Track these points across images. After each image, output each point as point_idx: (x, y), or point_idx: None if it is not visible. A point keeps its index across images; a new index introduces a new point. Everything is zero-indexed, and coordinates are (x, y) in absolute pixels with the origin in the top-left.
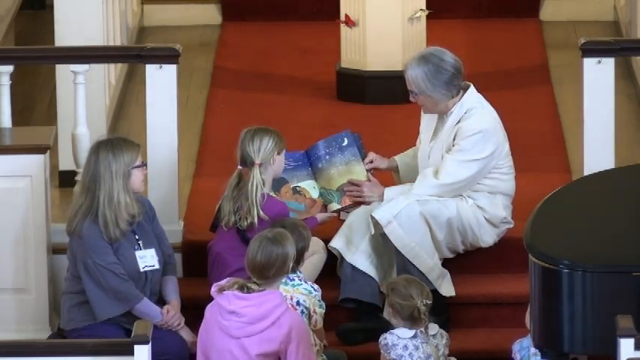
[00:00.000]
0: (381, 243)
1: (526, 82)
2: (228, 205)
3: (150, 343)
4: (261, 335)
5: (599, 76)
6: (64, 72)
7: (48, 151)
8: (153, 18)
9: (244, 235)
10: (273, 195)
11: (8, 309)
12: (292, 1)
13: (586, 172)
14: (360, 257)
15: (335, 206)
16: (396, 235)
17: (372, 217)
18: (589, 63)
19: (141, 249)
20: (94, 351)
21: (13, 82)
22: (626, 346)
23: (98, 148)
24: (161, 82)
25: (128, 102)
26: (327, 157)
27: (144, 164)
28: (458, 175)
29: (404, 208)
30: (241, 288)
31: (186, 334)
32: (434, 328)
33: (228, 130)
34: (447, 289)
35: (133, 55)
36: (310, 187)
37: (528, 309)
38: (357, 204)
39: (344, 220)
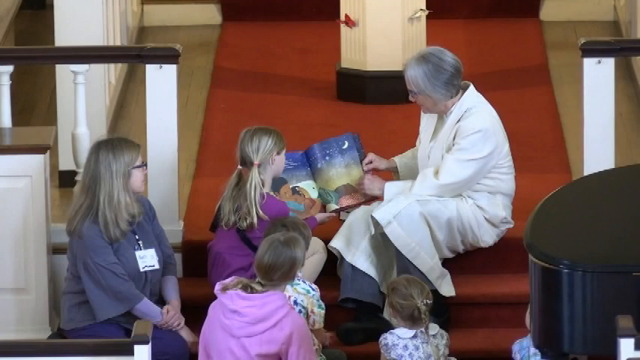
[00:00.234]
0: (381, 243)
1: (526, 82)
2: (228, 204)
3: (150, 343)
4: (262, 336)
5: (599, 76)
6: (64, 72)
7: (48, 151)
8: (153, 18)
9: (244, 234)
10: (273, 195)
11: (8, 309)
12: (292, 1)
13: (586, 172)
14: (360, 257)
15: (333, 206)
16: (396, 235)
17: (372, 217)
18: (589, 63)
19: (141, 249)
20: (94, 351)
21: (13, 82)
22: (626, 346)
23: (98, 148)
24: (161, 82)
25: (128, 102)
26: (327, 158)
27: (144, 164)
28: (458, 175)
29: (404, 208)
30: (245, 288)
31: (186, 334)
32: (434, 328)
33: (228, 130)
34: (447, 289)
35: (133, 55)
36: (309, 188)
37: (529, 309)
38: (356, 204)
39: (344, 220)
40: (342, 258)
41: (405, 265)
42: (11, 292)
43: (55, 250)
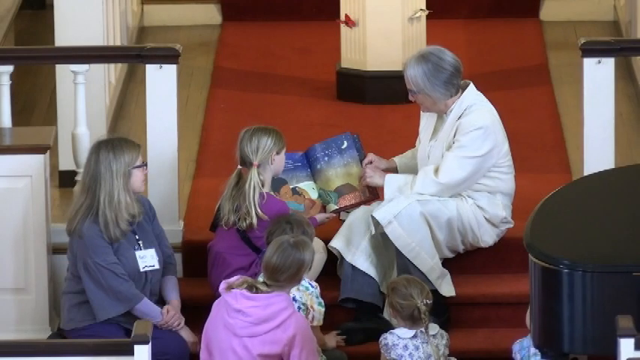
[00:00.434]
0: (381, 243)
1: (526, 82)
2: (228, 204)
3: (150, 343)
4: (264, 337)
5: (599, 76)
6: (64, 72)
7: (48, 151)
8: (153, 18)
9: (244, 234)
10: (273, 195)
11: (8, 309)
12: (292, 1)
13: (586, 172)
14: (360, 257)
15: (332, 207)
16: (396, 235)
17: (373, 217)
18: (589, 63)
19: (141, 249)
20: (94, 351)
21: (13, 82)
22: (626, 346)
23: (99, 147)
24: (161, 82)
25: (128, 102)
26: (326, 158)
27: (144, 164)
28: (457, 173)
29: (404, 208)
30: (250, 288)
31: (186, 334)
32: (434, 328)
33: (228, 130)
34: (447, 289)
35: (133, 55)
36: (309, 188)
37: (529, 309)
38: (356, 205)
39: (344, 220)
40: (342, 258)
41: (405, 265)
42: (11, 292)
43: (55, 250)
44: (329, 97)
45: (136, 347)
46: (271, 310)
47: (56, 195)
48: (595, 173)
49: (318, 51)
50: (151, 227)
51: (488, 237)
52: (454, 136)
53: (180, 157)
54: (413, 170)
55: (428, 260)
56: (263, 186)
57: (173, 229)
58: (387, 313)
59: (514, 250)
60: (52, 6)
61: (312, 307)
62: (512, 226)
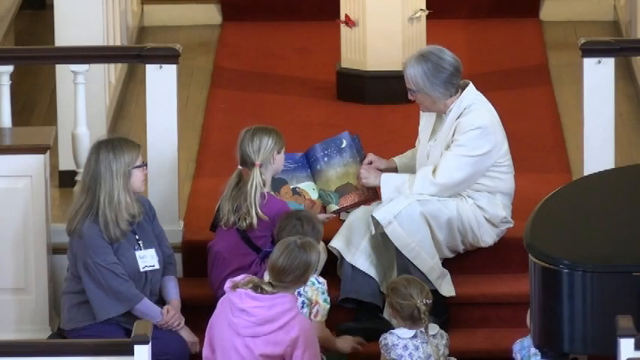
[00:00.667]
0: (381, 243)
1: (526, 82)
2: (228, 204)
3: (150, 343)
4: (267, 337)
5: (599, 76)
6: (64, 72)
7: (48, 151)
8: (153, 18)
9: (244, 234)
10: (274, 195)
11: (8, 309)
12: (292, 1)
13: (586, 172)
14: (359, 257)
15: (333, 207)
16: (396, 235)
17: (373, 217)
18: (589, 63)
19: (141, 249)
20: (94, 351)
21: (13, 82)
22: (626, 346)
23: (99, 147)
24: (161, 82)
25: (128, 102)
26: (326, 159)
27: (144, 164)
28: (455, 174)
29: (404, 208)
30: (255, 288)
31: (186, 334)
32: (434, 328)
33: (228, 130)
34: (447, 289)
35: (133, 55)
36: (309, 189)
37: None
38: (356, 204)
39: (344, 220)
40: (342, 258)
41: (405, 264)
42: (11, 292)
43: (55, 250)
44: (329, 97)
45: (136, 347)
46: (275, 310)
47: (56, 195)
48: (595, 173)
49: (318, 51)
50: (151, 227)
51: (488, 237)
52: (453, 136)
53: (180, 157)
54: (413, 171)
55: (428, 260)
56: (264, 186)
57: (173, 229)
58: (387, 313)
59: (514, 250)
60: (52, 6)
61: (316, 301)
62: (512, 225)
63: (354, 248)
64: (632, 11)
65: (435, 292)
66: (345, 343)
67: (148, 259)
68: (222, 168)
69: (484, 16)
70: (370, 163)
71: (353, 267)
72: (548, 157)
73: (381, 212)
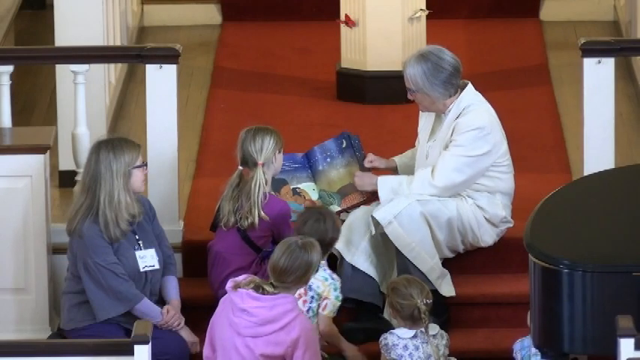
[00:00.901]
0: (381, 243)
1: (526, 82)
2: (228, 205)
3: (150, 343)
4: (268, 337)
5: (599, 76)
6: (64, 72)
7: (48, 151)
8: (153, 18)
9: (245, 234)
10: (274, 195)
11: (8, 309)
12: (292, 1)
13: (586, 172)
14: (359, 257)
15: (335, 208)
16: (396, 235)
17: (373, 217)
18: (589, 63)
19: (141, 249)
20: (94, 351)
21: (13, 82)
22: (626, 346)
23: (99, 147)
24: (161, 82)
25: (128, 102)
26: (328, 159)
27: (144, 164)
28: (453, 175)
29: (405, 208)
30: (257, 288)
31: (186, 334)
32: (434, 328)
33: (228, 130)
34: (447, 289)
35: (133, 55)
36: (310, 189)
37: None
38: (356, 204)
39: (344, 221)
40: (342, 258)
41: (405, 265)
42: (11, 292)
43: (55, 250)
44: (329, 97)
45: (136, 347)
46: (277, 311)
47: (56, 195)
48: (595, 173)
49: (318, 51)
50: (151, 227)
51: (488, 237)
52: (451, 136)
53: (180, 157)
54: (412, 170)
55: (428, 260)
56: (266, 185)
57: (173, 229)
58: (387, 313)
59: (514, 250)
60: (52, 6)
61: (326, 297)
62: (512, 225)
63: (354, 248)
64: (632, 11)
65: (435, 292)
66: (352, 351)
67: (148, 259)
68: (222, 168)
69: (484, 16)
70: (370, 162)
71: (353, 267)
72: (548, 157)
73: (381, 212)
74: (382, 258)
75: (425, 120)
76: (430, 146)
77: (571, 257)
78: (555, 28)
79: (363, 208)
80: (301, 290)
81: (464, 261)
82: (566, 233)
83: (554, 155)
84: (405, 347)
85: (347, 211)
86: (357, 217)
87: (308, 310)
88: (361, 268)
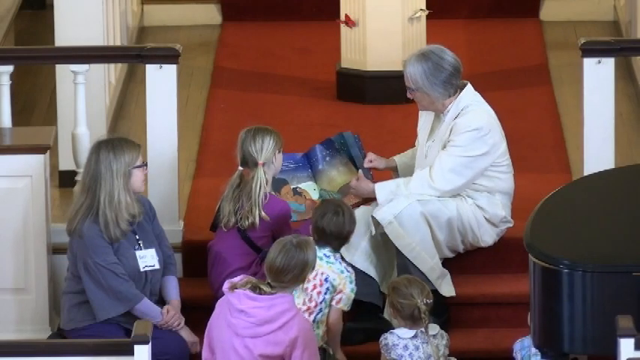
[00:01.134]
0: (381, 243)
1: (526, 82)
2: (229, 206)
3: (150, 343)
4: (267, 337)
5: (599, 76)
6: (64, 72)
7: (48, 151)
8: (153, 18)
9: (245, 234)
10: (275, 195)
11: (8, 309)
12: (292, 1)
13: (586, 172)
14: (359, 257)
15: None
16: (396, 235)
17: (373, 217)
18: (589, 63)
19: (141, 249)
20: (94, 351)
21: (13, 82)
22: (626, 346)
23: (99, 147)
24: (161, 82)
25: (128, 102)
26: (328, 158)
27: (144, 164)
28: (450, 176)
29: (405, 208)
30: (254, 288)
31: (186, 334)
32: (434, 328)
33: (228, 130)
34: (447, 289)
35: (133, 55)
36: (310, 189)
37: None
38: (356, 204)
39: None
40: (342, 258)
41: (405, 264)
42: (11, 292)
43: (55, 250)
44: (329, 97)
45: (136, 347)
46: (274, 311)
47: (56, 195)
48: (595, 173)
49: (318, 51)
50: (151, 227)
51: (488, 237)
52: (449, 136)
53: (180, 157)
54: (412, 170)
55: (428, 260)
56: (267, 184)
57: (173, 229)
58: (387, 313)
59: (514, 250)
60: (52, 6)
61: (342, 289)
62: (512, 225)
63: (353, 248)
64: (632, 11)
65: (435, 292)
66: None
67: (148, 259)
68: (222, 168)
69: (484, 16)
70: (370, 162)
71: (353, 267)
72: (548, 157)
73: (382, 212)
74: (382, 258)
75: (424, 119)
76: (429, 146)
77: (571, 257)
78: (555, 28)
79: (362, 207)
80: (317, 281)
81: (464, 261)
82: (566, 233)
83: (554, 155)
84: (405, 347)
85: None
86: (357, 217)
87: (321, 302)
88: (361, 268)
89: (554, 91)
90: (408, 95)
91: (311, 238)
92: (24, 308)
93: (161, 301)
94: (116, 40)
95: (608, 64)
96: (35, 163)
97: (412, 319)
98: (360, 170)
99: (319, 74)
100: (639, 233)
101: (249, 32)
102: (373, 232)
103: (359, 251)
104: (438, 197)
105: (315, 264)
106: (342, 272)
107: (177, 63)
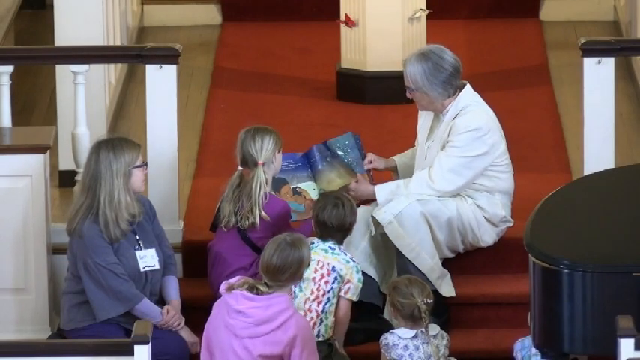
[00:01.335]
0: (381, 243)
1: (526, 82)
2: (229, 206)
3: (150, 343)
4: (265, 337)
5: (599, 76)
6: (64, 72)
7: (48, 151)
8: (153, 18)
9: (245, 234)
10: (274, 195)
11: (8, 309)
12: (292, 1)
13: (586, 172)
14: (359, 257)
15: None
16: (396, 235)
17: (373, 218)
18: (589, 63)
19: (141, 249)
20: (94, 351)
21: (13, 82)
22: (626, 346)
23: (99, 147)
24: (161, 82)
25: (128, 102)
26: (328, 159)
27: (144, 164)
28: (451, 177)
29: (405, 208)
30: (250, 288)
31: (186, 334)
32: (434, 328)
33: (228, 130)
34: (447, 289)
35: (133, 55)
36: (310, 189)
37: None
38: (358, 204)
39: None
40: None
41: (405, 264)
42: (11, 292)
43: (55, 250)
44: (329, 97)
45: (136, 347)
46: (272, 310)
47: (56, 195)
48: (595, 173)
49: (318, 51)
50: (152, 227)
51: (488, 236)
52: (448, 136)
53: (180, 157)
54: (412, 170)
55: (428, 260)
56: (266, 184)
57: (173, 229)
58: (387, 313)
59: (514, 250)
60: (52, 6)
61: (350, 279)
62: (511, 225)
63: (353, 248)
64: (632, 11)
65: (435, 292)
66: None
67: (148, 258)
68: (222, 168)
69: (484, 16)
70: (370, 162)
71: None
72: (548, 157)
73: (382, 212)
74: (382, 258)
75: (424, 119)
76: (429, 146)
77: (571, 257)
78: (555, 28)
79: (363, 207)
80: (324, 270)
81: (464, 261)
82: (566, 233)
83: (554, 155)
84: (406, 347)
85: None
86: (357, 217)
87: (329, 291)
88: (361, 268)
89: (554, 91)
90: (407, 95)
91: (303, 235)
92: (24, 308)
93: (161, 301)
94: (116, 40)
95: (608, 64)
96: (35, 163)
97: (412, 319)
98: (369, 174)
99: (319, 74)
100: (639, 233)
101: (249, 32)
102: (373, 232)
103: (359, 251)
104: (438, 197)
105: (310, 260)
106: (348, 262)
107: (177, 63)
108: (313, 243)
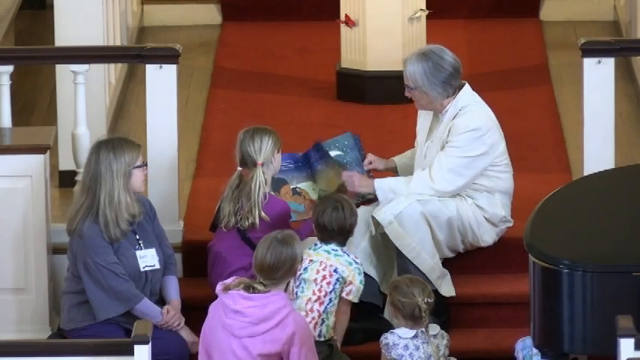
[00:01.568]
0: (381, 243)
1: (526, 82)
2: (228, 206)
3: (150, 343)
4: (264, 336)
5: (599, 76)
6: (64, 72)
7: (48, 151)
8: (153, 18)
9: (245, 234)
10: (274, 195)
11: (8, 309)
12: (292, 1)
13: (586, 172)
14: (359, 257)
15: None
16: (396, 235)
17: (373, 217)
18: (589, 63)
19: (141, 249)
20: (94, 351)
21: (13, 82)
22: (626, 346)
23: (99, 147)
24: (161, 82)
25: (128, 102)
26: (322, 159)
27: (144, 164)
28: (450, 177)
29: (405, 208)
30: (247, 288)
31: (186, 334)
32: (435, 328)
33: (228, 130)
34: (448, 289)
35: (133, 55)
36: (309, 189)
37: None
38: (358, 204)
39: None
40: None
41: (405, 264)
42: (11, 292)
43: (55, 250)
44: (329, 97)
45: (136, 347)
46: (269, 309)
47: (56, 195)
48: (595, 173)
49: (318, 51)
50: (152, 227)
51: (488, 236)
52: (447, 137)
53: (180, 157)
54: (412, 170)
55: (428, 260)
56: (266, 185)
57: (173, 229)
58: (387, 313)
59: (514, 250)
60: (52, 6)
61: (352, 281)
62: (511, 225)
63: (354, 248)
64: (632, 11)
65: (435, 292)
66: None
67: (148, 258)
68: (222, 168)
69: (484, 16)
70: (370, 162)
71: None
72: (548, 157)
73: (382, 212)
74: (382, 258)
75: (423, 119)
76: (428, 146)
77: (571, 257)
78: (555, 28)
79: (363, 207)
80: (326, 272)
81: (464, 261)
82: (566, 233)
83: (554, 155)
84: (406, 347)
85: None
86: (357, 217)
87: (331, 291)
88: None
89: (554, 91)
90: (406, 94)
91: (293, 231)
92: (24, 308)
93: (161, 301)
94: (116, 40)
95: (608, 64)
96: (35, 163)
97: (413, 319)
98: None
99: (319, 74)
100: (639, 233)
101: (249, 32)
102: (373, 232)
103: (359, 251)
104: (438, 197)
105: (303, 256)
106: (350, 264)
107: (177, 63)
108: (316, 244)
